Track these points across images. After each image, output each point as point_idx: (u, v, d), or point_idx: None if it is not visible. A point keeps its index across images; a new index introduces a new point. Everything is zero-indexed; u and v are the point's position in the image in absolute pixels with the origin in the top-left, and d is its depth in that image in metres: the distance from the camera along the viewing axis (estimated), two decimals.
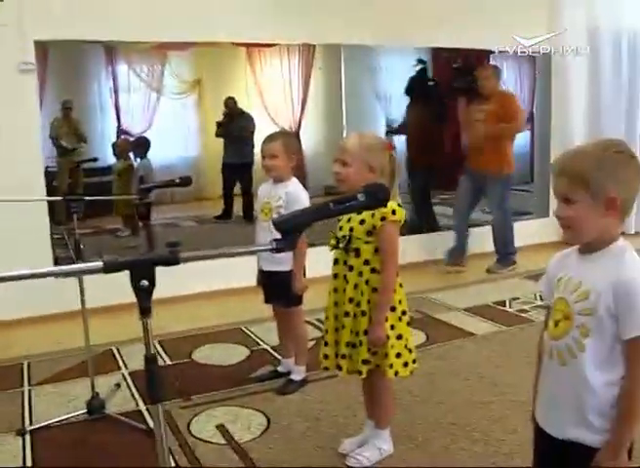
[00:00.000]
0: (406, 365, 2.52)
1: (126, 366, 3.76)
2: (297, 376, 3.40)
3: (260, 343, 4.10)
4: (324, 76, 7.27)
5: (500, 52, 7.53)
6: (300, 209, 1.38)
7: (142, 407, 3.20)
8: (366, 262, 2.45)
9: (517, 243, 6.36)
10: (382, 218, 2.40)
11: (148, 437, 2.82)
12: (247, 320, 4.51)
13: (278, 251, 1.31)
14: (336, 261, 2.55)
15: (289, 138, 3.34)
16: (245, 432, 2.94)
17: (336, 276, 2.55)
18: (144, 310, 1.28)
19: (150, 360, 1.31)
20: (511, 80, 9.51)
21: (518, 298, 4.97)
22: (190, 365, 3.79)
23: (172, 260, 1.28)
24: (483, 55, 8.74)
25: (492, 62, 6.94)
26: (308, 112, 7.67)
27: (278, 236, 1.31)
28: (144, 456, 2.66)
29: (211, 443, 2.85)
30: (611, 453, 1.57)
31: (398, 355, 2.49)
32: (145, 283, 1.26)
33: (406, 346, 2.53)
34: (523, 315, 4.58)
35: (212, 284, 5.10)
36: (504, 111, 5.54)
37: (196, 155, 7.95)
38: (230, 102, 6.66)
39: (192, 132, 7.91)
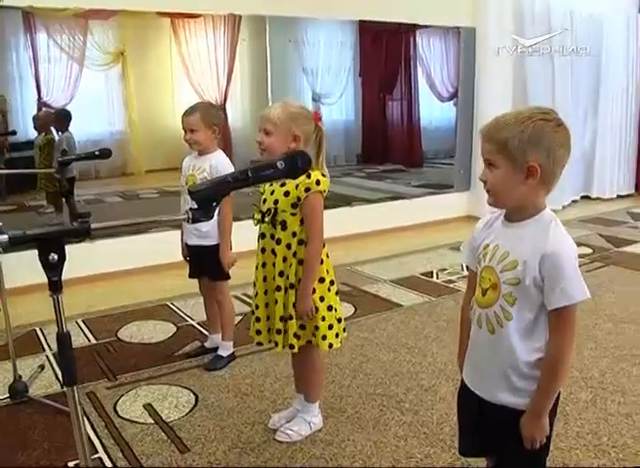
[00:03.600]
0: (337, 335, 2.51)
1: (50, 347, 3.61)
2: (224, 352, 3.36)
3: (187, 319, 4.04)
4: (250, 48, 7.16)
5: (426, 26, 7.60)
6: (216, 177, 1.32)
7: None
8: (293, 234, 2.41)
9: (441, 216, 6.44)
10: (307, 189, 2.36)
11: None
12: (173, 296, 4.44)
13: (194, 221, 1.27)
14: (262, 236, 2.49)
15: (208, 110, 3.20)
16: (173, 410, 2.88)
17: (263, 250, 2.50)
18: (54, 286, 1.21)
19: (62, 339, 1.25)
20: (437, 55, 9.63)
21: (445, 269, 5.04)
22: (116, 343, 3.69)
23: (82, 232, 1.21)
24: (410, 28, 8.81)
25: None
26: (235, 84, 7.57)
27: (195, 206, 1.27)
28: (71, 439, 2.60)
29: (138, 423, 2.78)
30: (533, 418, 1.61)
31: (330, 326, 2.47)
32: (55, 257, 1.20)
33: (335, 317, 2.51)
34: (450, 285, 4.64)
35: (136, 260, 4.99)
36: None
37: (121, 129, 7.76)
38: None
39: (117, 105, 7.72)
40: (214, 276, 3.27)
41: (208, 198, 1.26)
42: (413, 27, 8.55)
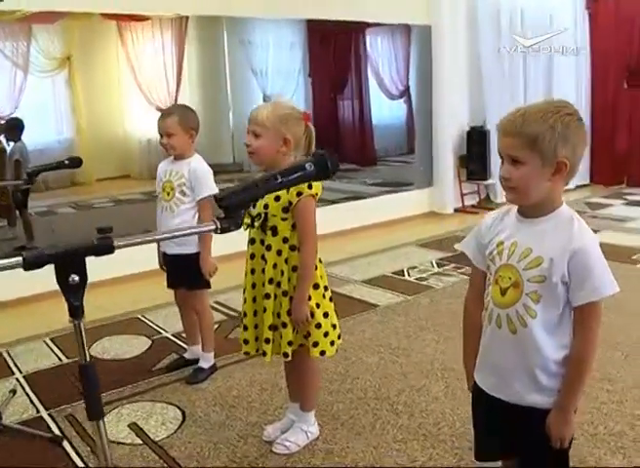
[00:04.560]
0: (332, 343, 2.43)
1: (19, 369, 3.43)
2: (205, 364, 3.23)
3: (161, 331, 3.89)
4: (202, 50, 7.03)
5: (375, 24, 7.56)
6: (243, 183, 1.22)
7: (44, 412, 2.93)
8: (284, 240, 2.32)
9: (403, 213, 6.38)
10: (299, 193, 2.27)
11: (54, 445, 2.60)
12: (143, 308, 4.28)
13: (223, 231, 1.17)
14: (252, 241, 2.39)
15: (185, 113, 3.07)
16: (160, 428, 2.75)
17: (252, 256, 2.40)
18: (76, 310, 1.10)
19: (85, 371, 1.13)
20: (387, 53, 9.63)
21: (416, 267, 5.01)
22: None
23: (105, 249, 1.10)
24: (359, 27, 8.79)
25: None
26: (184, 88, 7.43)
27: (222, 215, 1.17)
28: (52, 466, 2.46)
29: (125, 443, 2.64)
30: (561, 416, 1.57)
31: (326, 334, 2.39)
32: (75, 278, 1.09)
33: (331, 323, 2.43)
34: (423, 283, 4.61)
35: (101, 272, 4.79)
36: None
37: (69, 137, 7.54)
38: None
39: (64, 112, 7.50)
40: (194, 285, 3.12)
41: (237, 205, 1.16)
42: (362, 26, 8.53)
